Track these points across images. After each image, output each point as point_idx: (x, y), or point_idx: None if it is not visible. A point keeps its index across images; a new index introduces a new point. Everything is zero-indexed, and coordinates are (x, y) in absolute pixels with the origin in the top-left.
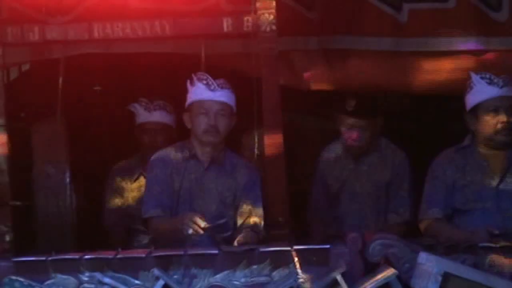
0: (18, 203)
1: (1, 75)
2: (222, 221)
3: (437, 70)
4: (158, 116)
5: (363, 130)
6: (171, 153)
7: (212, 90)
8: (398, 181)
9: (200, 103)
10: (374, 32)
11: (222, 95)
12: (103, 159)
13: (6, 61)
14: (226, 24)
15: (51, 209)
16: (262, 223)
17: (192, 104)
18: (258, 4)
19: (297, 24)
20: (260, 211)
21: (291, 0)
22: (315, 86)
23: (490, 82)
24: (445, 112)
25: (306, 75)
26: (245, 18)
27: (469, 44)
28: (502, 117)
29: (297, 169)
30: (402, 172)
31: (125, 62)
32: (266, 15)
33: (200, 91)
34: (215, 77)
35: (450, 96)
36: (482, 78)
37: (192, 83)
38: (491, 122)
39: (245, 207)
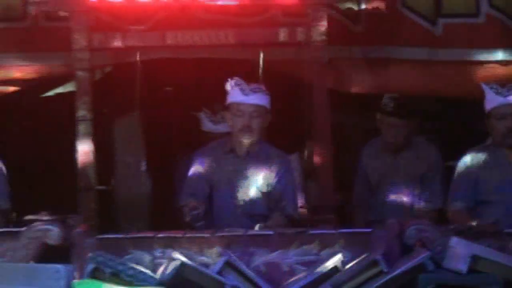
0: (102, 187)
1: (88, 76)
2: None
3: (468, 78)
4: (222, 128)
5: (400, 128)
6: (213, 148)
7: (246, 95)
8: (431, 174)
9: (236, 105)
10: (411, 43)
11: (255, 98)
12: (173, 151)
13: (92, 63)
14: (282, 34)
15: (129, 193)
16: (293, 207)
17: (230, 105)
18: (310, 17)
19: (344, 35)
20: (291, 195)
21: (339, 14)
22: (358, 90)
23: (497, 92)
24: (472, 115)
25: (350, 80)
26: (299, 29)
27: (496, 55)
28: (507, 123)
29: (343, 162)
30: (435, 165)
31: (193, 66)
32: (318, 27)
33: (236, 95)
34: (264, 82)
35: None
36: (490, 88)
37: (230, 87)
38: (499, 127)
39: (277, 193)
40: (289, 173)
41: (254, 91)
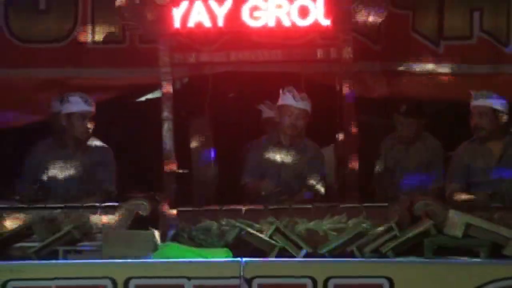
0: (182, 171)
1: (171, 86)
2: (278, 189)
3: (464, 86)
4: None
5: (410, 125)
6: (264, 140)
7: (296, 101)
8: (435, 161)
9: (287, 107)
10: (419, 59)
11: (302, 104)
12: (235, 141)
13: (174, 76)
14: (319, 53)
15: (202, 175)
16: (318, 185)
17: (281, 106)
18: (341, 39)
19: (366, 53)
20: (317, 176)
21: (363, 36)
22: (378, 96)
23: (473, 97)
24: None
25: (372, 88)
26: (332, 49)
27: (484, 68)
28: (474, 121)
29: (366, 152)
30: (438, 155)
31: (251, 78)
32: (346, 47)
33: (288, 99)
34: (306, 89)
35: None
36: (471, 93)
37: (283, 92)
38: (471, 124)
39: (307, 173)
40: (318, 160)
41: (302, 99)
